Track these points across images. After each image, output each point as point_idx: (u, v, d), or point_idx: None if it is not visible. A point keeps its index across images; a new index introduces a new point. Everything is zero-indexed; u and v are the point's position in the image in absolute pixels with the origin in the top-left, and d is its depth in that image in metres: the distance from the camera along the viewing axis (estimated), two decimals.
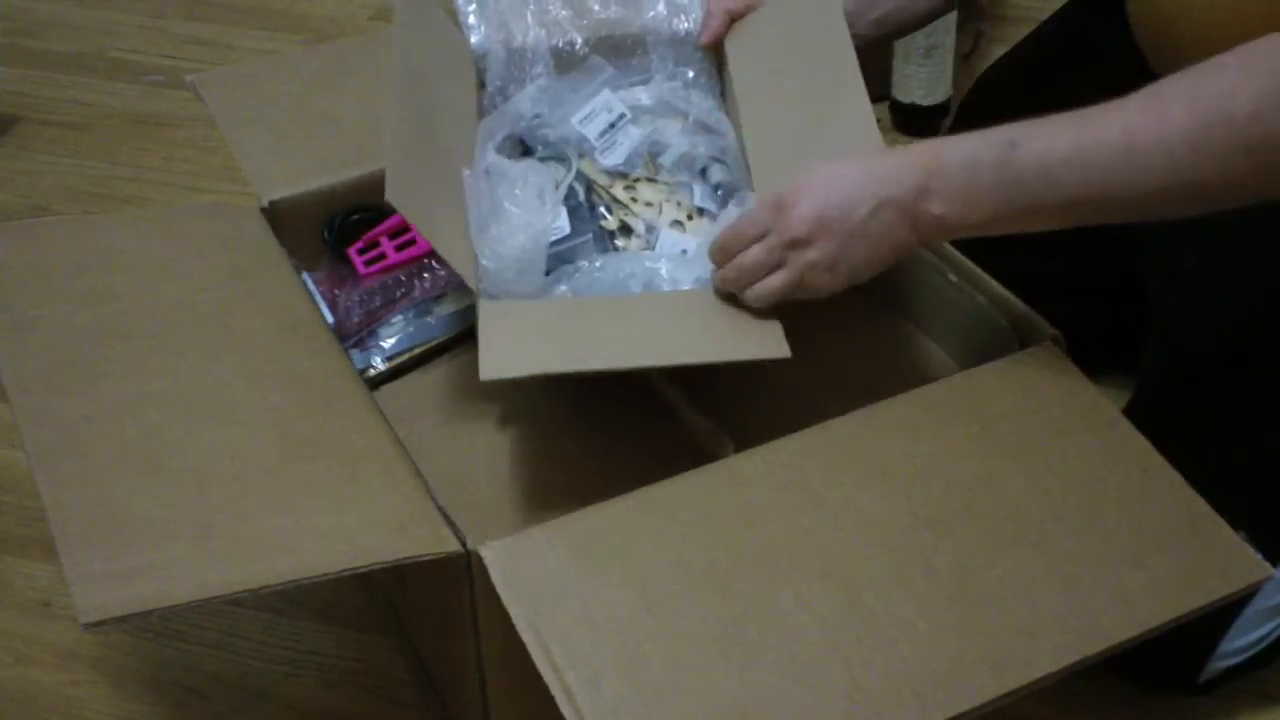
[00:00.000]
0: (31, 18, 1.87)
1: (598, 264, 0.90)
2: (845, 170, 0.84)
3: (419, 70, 0.98)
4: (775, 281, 0.84)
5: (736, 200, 0.94)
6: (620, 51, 1.07)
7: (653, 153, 1.00)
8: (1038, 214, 0.81)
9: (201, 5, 1.88)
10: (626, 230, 0.95)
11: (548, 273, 0.90)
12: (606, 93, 1.03)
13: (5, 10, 1.88)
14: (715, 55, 1.06)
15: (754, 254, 0.84)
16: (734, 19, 1.04)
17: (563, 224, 0.93)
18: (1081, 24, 1.17)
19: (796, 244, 0.83)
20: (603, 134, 1.00)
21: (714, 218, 0.95)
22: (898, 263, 0.85)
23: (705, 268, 0.88)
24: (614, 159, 0.99)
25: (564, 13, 1.08)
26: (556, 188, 0.94)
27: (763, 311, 0.86)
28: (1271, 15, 0.79)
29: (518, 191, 0.90)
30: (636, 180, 0.99)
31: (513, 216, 0.88)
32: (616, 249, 0.95)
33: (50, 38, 1.83)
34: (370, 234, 1.07)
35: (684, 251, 0.93)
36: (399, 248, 1.06)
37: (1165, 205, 0.79)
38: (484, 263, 0.87)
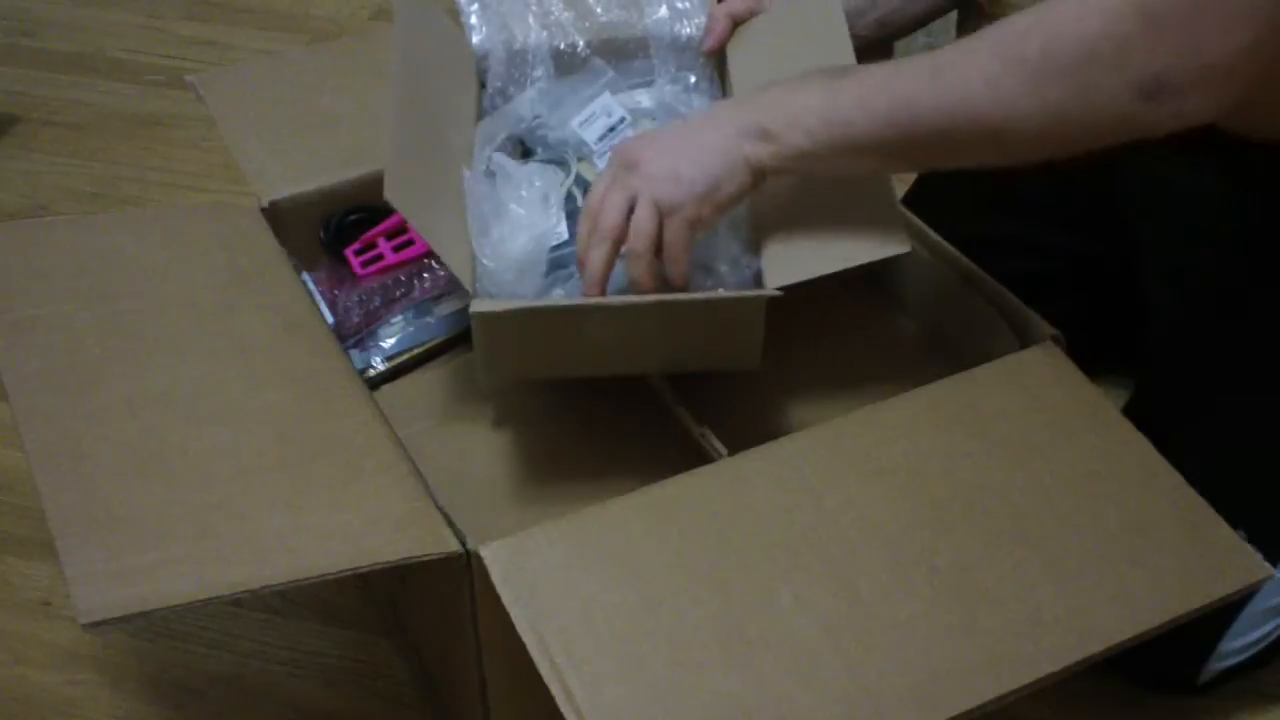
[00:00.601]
0: (31, 18, 1.87)
1: None
2: (680, 119, 0.88)
3: (419, 70, 0.98)
4: (639, 214, 0.84)
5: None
6: (622, 54, 1.07)
7: None
8: (858, 145, 0.82)
9: (201, 5, 1.88)
10: None
11: (544, 276, 0.90)
12: (607, 96, 1.03)
13: (5, 10, 1.88)
14: (717, 60, 1.06)
15: (602, 191, 0.86)
16: (737, 24, 1.04)
17: (562, 229, 0.93)
18: None
19: (631, 165, 0.85)
20: (602, 138, 1.00)
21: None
22: (754, 186, 0.85)
23: (704, 273, 0.88)
24: None
25: (566, 14, 1.08)
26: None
27: (753, 320, 0.86)
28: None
29: (523, 193, 0.89)
30: None
31: (518, 218, 0.88)
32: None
33: (50, 38, 1.83)
34: (367, 235, 1.07)
35: None
36: (396, 249, 1.06)
37: (973, 146, 0.80)
38: (485, 263, 0.87)
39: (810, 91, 0.83)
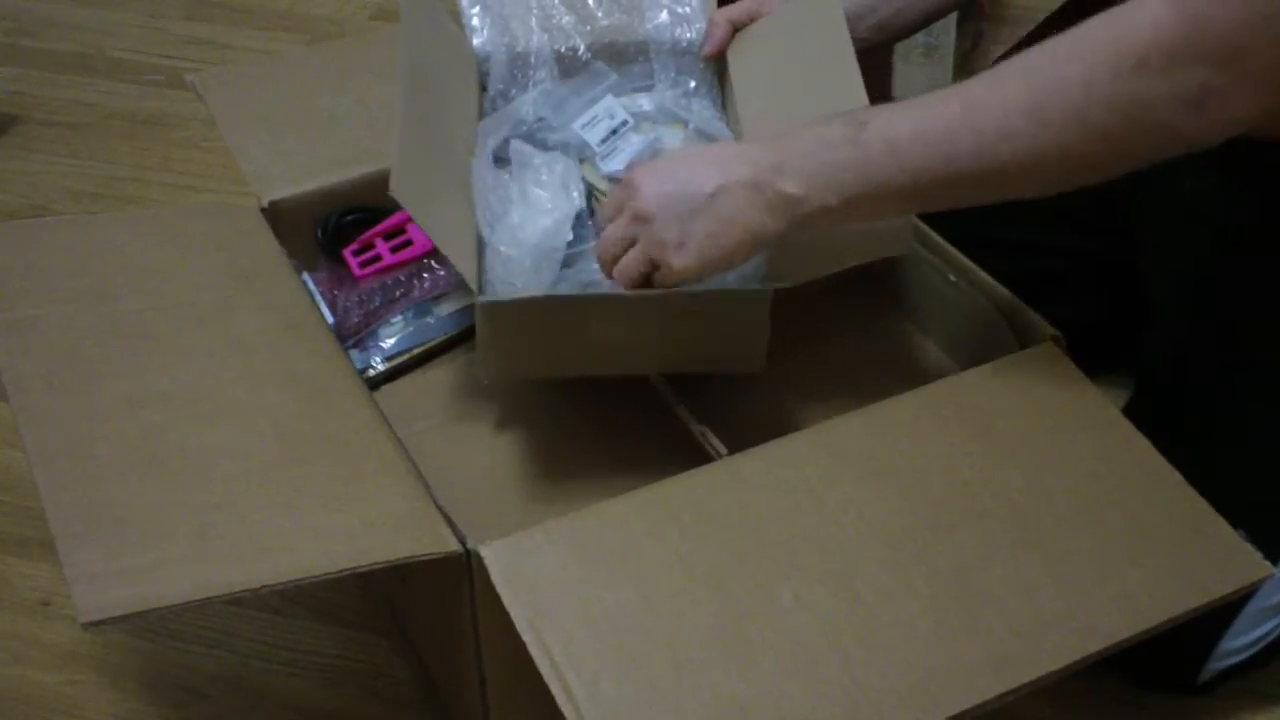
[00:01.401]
0: (31, 18, 1.87)
1: (596, 267, 0.90)
2: (696, 152, 0.85)
3: (423, 69, 0.98)
4: (631, 258, 0.84)
5: None
6: (623, 58, 1.07)
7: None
8: (890, 194, 0.79)
9: (201, 5, 1.88)
10: None
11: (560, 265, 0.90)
12: (609, 98, 1.03)
13: (5, 10, 1.88)
14: (717, 65, 1.06)
15: (611, 230, 0.85)
16: (737, 29, 1.04)
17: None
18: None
19: (642, 219, 0.83)
20: (604, 140, 1.00)
21: None
22: (763, 248, 0.84)
23: None
24: (615, 165, 0.99)
25: (567, 18, 1.08)
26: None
27: (757, 317, 0.86)
28: None
29: (544, 177, 0.89)
30: None
31: (539, 200, 0.87)
32: None
33: (50, 38, 1.83)
34: (365, 235, 1.07)
35: None
36: (394, 249, 1.06)
37: (1011, 182, 0.79)
38: (502, 249, 0.87)
39: (836, 146, 0.79)
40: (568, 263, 0.92)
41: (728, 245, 0.81)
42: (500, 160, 0.97)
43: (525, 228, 0.86)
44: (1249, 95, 0.73)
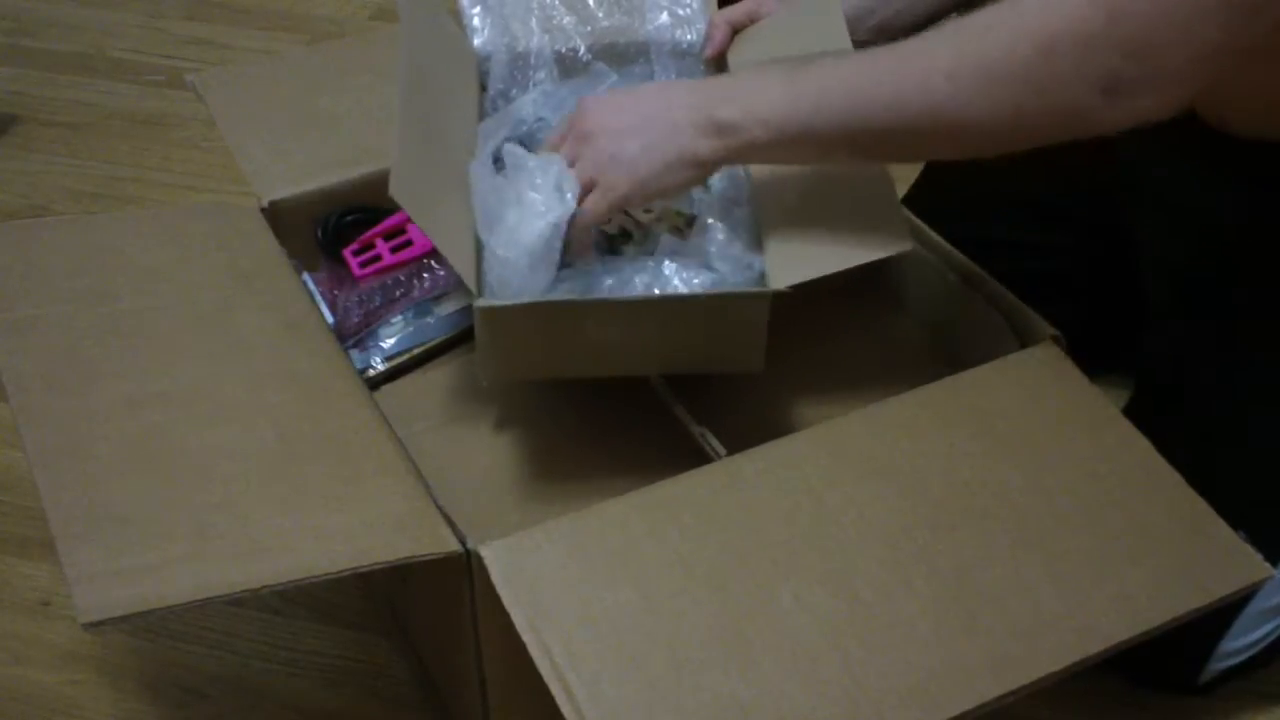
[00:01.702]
0: (31, 18, 1.87)
1: (595, 270, 0.90)
2: (645, 85, 0.89)
3: (423, 70, 0.98)
4: (581, 176, 0.87)
5: (738, 207, 0.94)
6: (623, 59, 1.07)
7: None
8: (815, 136, 0.82)
9: (201, 5, 1.88)
10: (626, 236, 0.95)
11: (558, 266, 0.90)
12: None
13: (5, 10, 1.88)
14: (717, 67, 1.06)
15: (554, 148, 0.89)
16: (736, 31, 1.04)
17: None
18: None
19: (583, 138, 0.87)
20: None
21: (717, 225, 0.95)
22: (695, 171, 0.86)
23: (707, 272, 0.88)
24: None
25: (568, 19, 1.08)
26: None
27: (756, 320, 0.86)
28: None
29: (538, 180, 0.89)
30: None
31: (534, 204, 0.88)
32: (618, 253, 0.95)
33: (50, 38, 1.83)
34: (365, 235, 1.07)
35: (685, 256, 0.93)
36: (394, 249, 1.06)
37: (926, 141, 0.82)
38: (499, 252, 0.87)
39: (771, 84, 0.83)
40: (566, 263, 0.92)
41: (658, 163, 0.85)
42: (499, 162, 0.97)
43: (520, 230, 0.86)
44: (1159, 90, 0.75)
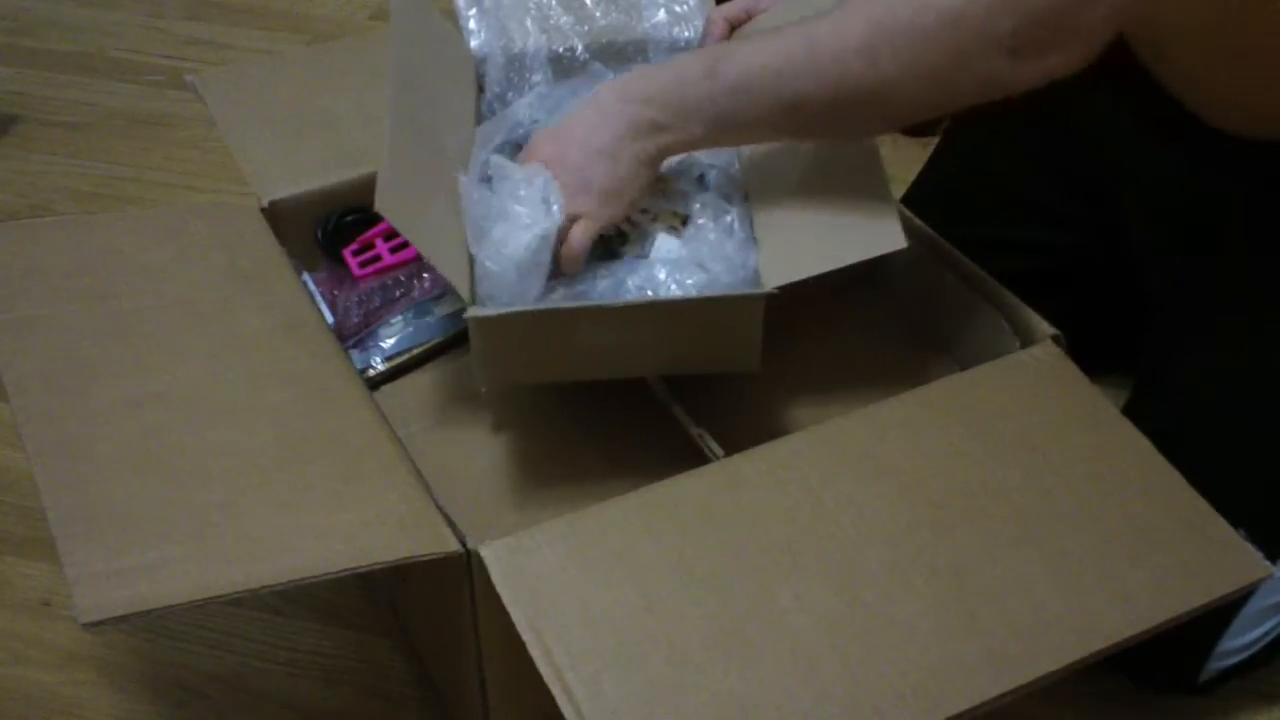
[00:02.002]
0: (31, 18, 1.87)
1: (589, 273, 0.90)
2: (584, 108, 0.90)
3: (416, 74, 0.97)
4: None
5: (732, 206, 0.94)
6: (621, 58, 1.07)
7: None
8: (748, 122, 0.86)
9: (201, 5, 1.88)
10: (622, 237, 0.95)
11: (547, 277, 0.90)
12: None
13: (5, 10, 1.88)
14: None
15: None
16: (734, 27, 1.05)
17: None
18: None
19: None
20: None
21: (709, 225, 0.95)
22: (656, 165, 0.90)
23: (701, 273, 0.88)
24: None
25: (565, 18, 1.08)
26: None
27: (748, 320, 0.85)
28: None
29: (522, 192, 0.89)
30: None
31: (518, 217, 0.88)
32: (616, 254, 0.95)
33: (50, 38, 1.83)
34: (365, 235, 1.07)
35: (678, 256, 0.93)
36: (394, 249, 1.06)
37: (854, 118, 0.85)
38: (487, 264, 0.87)
39: (691, 80, 0.85)
40: (557, 271, 0.92)
41: (621, 175, 0.88)
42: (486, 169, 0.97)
43: (507, 243, 0.87)
44: (1065, 46, 0.79)
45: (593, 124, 0.89)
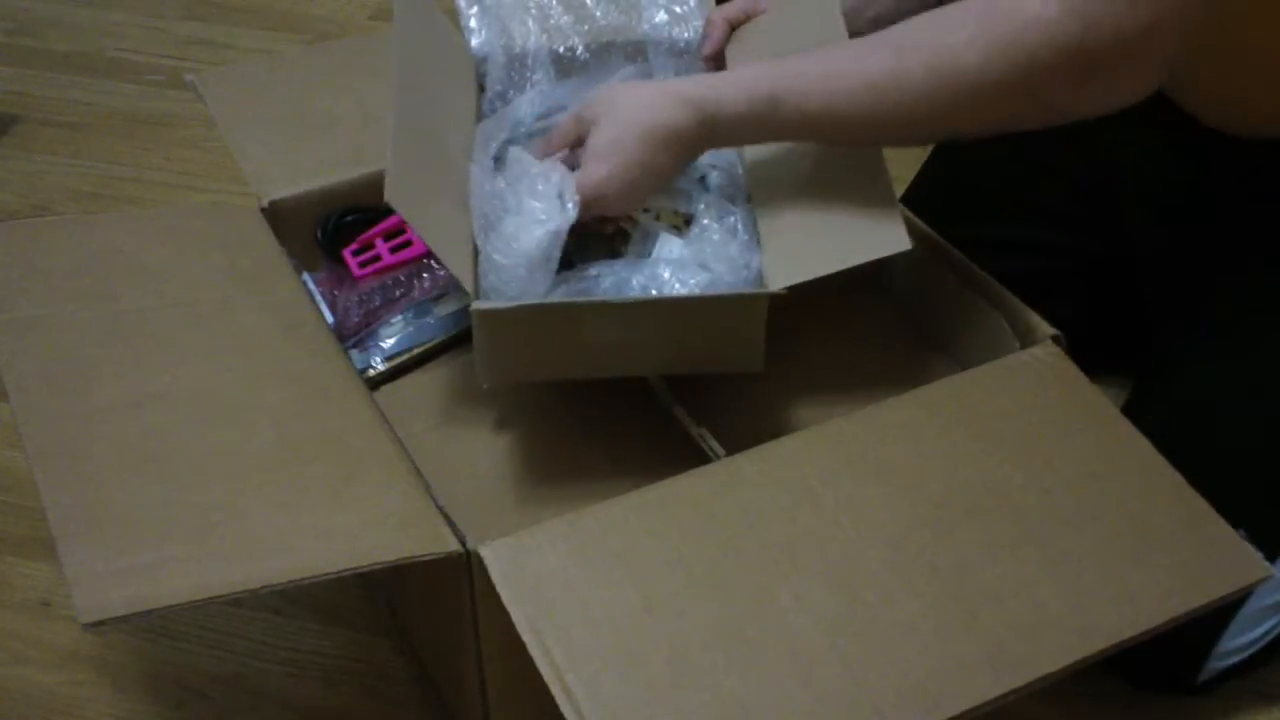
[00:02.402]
0: (31, 18, 1.87)
1: (593, 271, 0.90)
2: (636, 89, 0.90)
3: (418, 72, 0.97)
4: (565, 148, 0.91)
5: (735, 207, 0.94)
6: (621, 59, 1.07)
7: None
8: (786, 110, 0.86)
9: (201, 5, 1.88)
10: (625, 236, 0.95)
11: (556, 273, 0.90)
12: None
13: (5, 10, 1.88)
14: (715, 64, 1.06)
15: (563, 125, 0.93)
16: (734, 27, 1.05)
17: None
18: None
19: (595, 156, 0.89)
20: None
21: (713, 225, 0.95)
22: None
23: (704, 273, 0.88)
24: None
25: (565, 18, 1.08)
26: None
27: (751, 319, 0.85)
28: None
29: (540, 187, 0.89)
30: None
31: (532, 211, 0.88)
32: (618, 254, 0.95)
33: (50, 38, 1.83)
34: (365, 235, 1.07)
35: (681, 256, 0.93)
36: (394, 249, 1.06)
37: (915, 139, 0.90)
38: (496, 258, 0.87)
39: (751, 121, 0.86)
40: (568, 263, 0.92)
41: (663, 177, 0.89)
42: (500, 162, 0.97)
43: (519, 237, 0.86)
44: (1133, 81, 0.80)
45: (651, 128, 0.87)
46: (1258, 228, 0.99)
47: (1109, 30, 0.77)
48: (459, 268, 0.86)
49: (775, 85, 0.86)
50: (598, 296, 0.88)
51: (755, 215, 0.93)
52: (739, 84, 0.87)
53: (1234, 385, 0.96)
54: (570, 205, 0.87)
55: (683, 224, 0.94)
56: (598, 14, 1.08)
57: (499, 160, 0.97)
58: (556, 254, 0.88)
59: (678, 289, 0.88)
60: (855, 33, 0.99)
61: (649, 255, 0.93)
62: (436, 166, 0.92)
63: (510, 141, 0.99)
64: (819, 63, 0.86)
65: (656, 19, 1.07)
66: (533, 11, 1.07)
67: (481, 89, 1.06)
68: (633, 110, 0.87)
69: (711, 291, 0.87)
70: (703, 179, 0.98)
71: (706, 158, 0.98)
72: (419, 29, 1.02)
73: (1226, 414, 0.96)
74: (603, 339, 0.87)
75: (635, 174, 0.88)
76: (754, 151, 0.97)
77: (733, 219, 0.92)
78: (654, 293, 0.88)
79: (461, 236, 0.89)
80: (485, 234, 0.88)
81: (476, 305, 0.84)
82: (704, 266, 0.89)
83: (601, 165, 0.87)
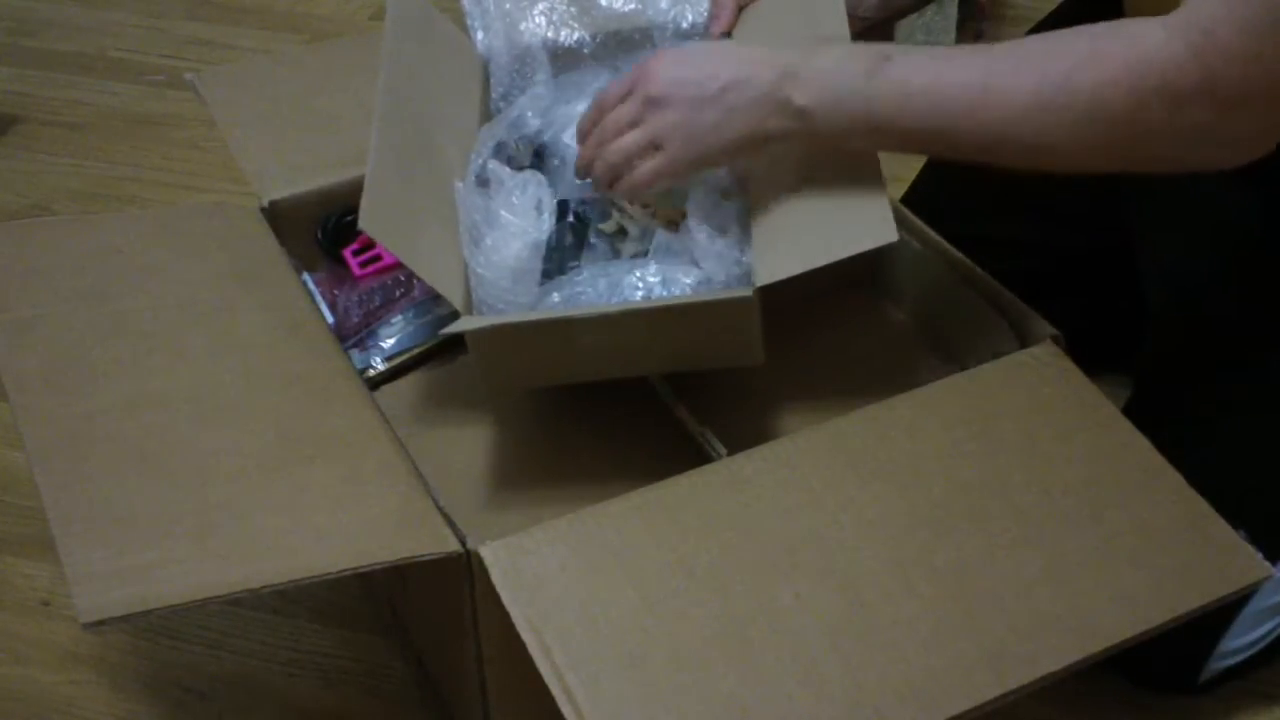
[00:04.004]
0: (31, 18, 1.87)
1: (585, 274, 0.90)
2: (716, 46, 0.86)
3: (412, 79, 0.97)
4: (629, 140, 0.86)
5: (726, 203, 0.93)
6: (627, 46, 1.07)
7: None
8: (891, 134, 0.82)
9: (201, 5, 1.88)
10: (623, 232, 0.95)
11: (541, 282, 0.90)
12: None
13: (5, 10, 1.88)
14: None
15: (618, 111, 0.87)
16: (742, 8, 1.04)
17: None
18: (1079, 23, 1.17)
19: (653, 102, 0.85)
20: None
21: (704, 222, 0.94)
22: (759, 150, 0.86)
23: (696, 270, 0.88)
24: None
25: (571, 9, 1.07)
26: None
27: (742, 318, 0.85)
28: None
29: (514, 200, 0.90)
30: None
31: (509, 224, 0.88)
32: (617, 251, 0.95)
33: (50, 38, 1.83)
34: (365, 235, 1.06)
35: (674, 254, 0.92)
36: None
37: (1003, 159, 0.81)
38: (480, 271, 0.87)
39: (851, 71, 0.81)
40: (562, 269, 0.92)
41: (727, 138, 0.84)
42: (480, 176, 0.97)
43: (499, 250, 0.87)
44: (1251, 141, 0.76)
45: (727, 68, 0.83)
46: (1261, 228, 0.99)
47: (1231, 83, 0.73)
48: (447, 287, 0.86)
49: (883, 48, 0.81)
50: (592, 299, 0.88)
51: (747, 209, 0.93)
52: (835, 44, 0.82)
53: (1234, 385, 0.96)
54: (547, 215, 0.88)
55: (680, 219, 0.94)
56: (603, 2, 1.07)
57: (480, 174, 0.97)
58: (538, 264, 0.88)
59: (671, 289, 0.88)
60: (863, 16, 0.99)
61: (645, 252, 0.93)
62: (424, 181, 0.92)
63: (503, 145, 0.99)
64: (932, 51, 0.82)
65: (661, 4, 1.07)
66: (540, 5, 1.07)
67: (487, 85, 1.06)
68: (732, 105, 0.83)
69: (697, 295, 0.87)
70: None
71: None
72: (413, 34, 1.01)
73: (1226, 415, 0.96)
74: (597, 345, 0.87)
75: (711, 163, 0.86)
76: None
77: (724, 214, 0.92)
78: (644, 294, 0.88)
79: (449, 253, 0.89)
80: (471, 249, 0.89)
81: (462, 324, 0.84)
82: (695, 264, 0.89)
83: (691, 145, 0.85)
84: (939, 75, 0.80)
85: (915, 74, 0.80)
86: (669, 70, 0.85)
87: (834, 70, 0.82)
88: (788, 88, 0.82)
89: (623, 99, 0.87)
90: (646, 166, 0.86)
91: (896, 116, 0.81)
